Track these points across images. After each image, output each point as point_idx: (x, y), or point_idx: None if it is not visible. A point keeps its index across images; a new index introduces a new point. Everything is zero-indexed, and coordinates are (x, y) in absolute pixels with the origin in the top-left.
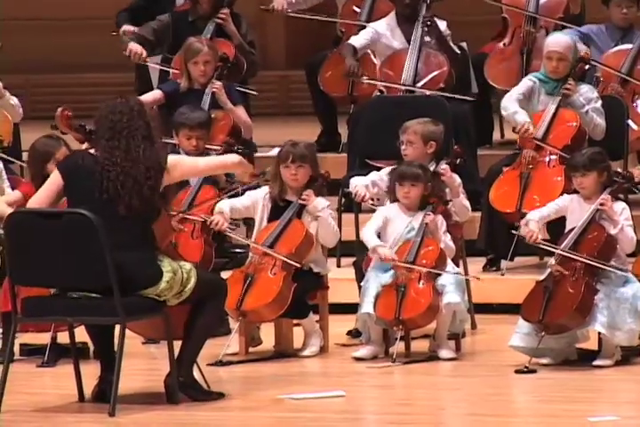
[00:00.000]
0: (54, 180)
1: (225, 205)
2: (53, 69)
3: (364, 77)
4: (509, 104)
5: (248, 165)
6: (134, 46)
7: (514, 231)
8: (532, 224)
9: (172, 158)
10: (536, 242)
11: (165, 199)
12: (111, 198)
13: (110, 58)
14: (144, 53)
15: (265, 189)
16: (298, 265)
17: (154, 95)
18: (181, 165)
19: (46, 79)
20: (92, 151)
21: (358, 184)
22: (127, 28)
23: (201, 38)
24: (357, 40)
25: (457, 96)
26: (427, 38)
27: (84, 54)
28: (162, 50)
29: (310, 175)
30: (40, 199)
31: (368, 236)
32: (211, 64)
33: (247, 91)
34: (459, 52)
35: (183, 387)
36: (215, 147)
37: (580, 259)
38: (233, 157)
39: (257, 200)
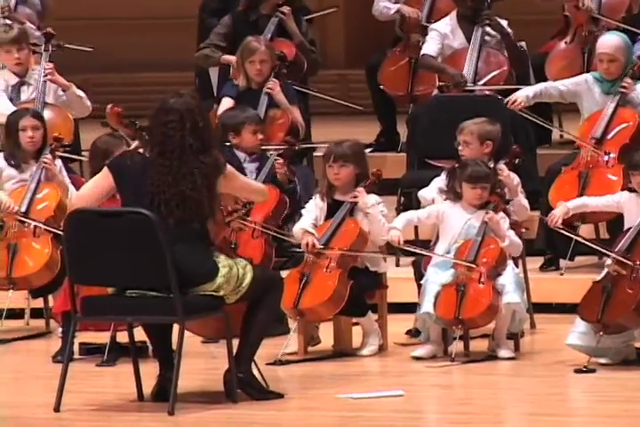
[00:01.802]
0: (103, 177)
1: (305, 225)
2: (113, 69)
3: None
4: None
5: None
6: (232, 58)
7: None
8: (561, 209)
9: (231, 168)
10: (555, 226)
11: (219, 202)
12: (165, 201)
13: (170, 57)
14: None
15: (316, 198)
16: (356, 254)
17: (228, 104)
18: (237, 177)
19: (106, 78)
20: (141, 151)
21: (435, 197)
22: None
23: (258, 37)
24: (431, 48)
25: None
26: (487, 38)
27: (144, 53)
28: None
29: (357, 173)
30: (91, 190)
31: (398, 217)
32: (267, 63)
33: (308, 90)
34: (524, 48)
35: (242, 384)
36: (273, 147)
37: (626, 262)
38: (265, 190)
39: (316, 209)
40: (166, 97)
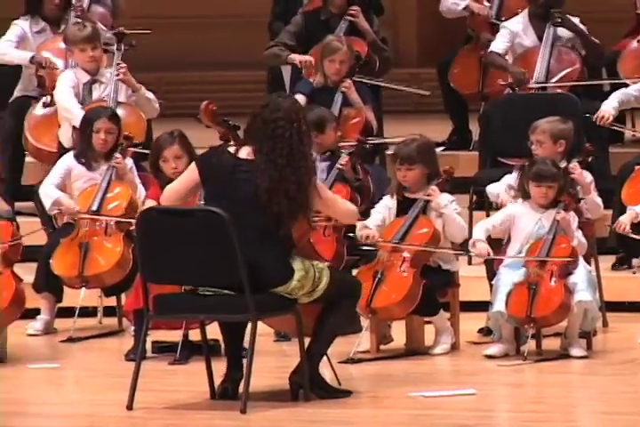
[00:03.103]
0: (190, 172)
1: (367, 222)
2: (186, 67)
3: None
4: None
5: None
6: (297, 57)
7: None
8: (629, 214)
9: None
10: (624, 232)
11: (310, 208)
12: (254, 203)
13: (243, 56)
14: (312, 60)
15: (386, 198)
16: (431, 249)
17: (300, 101)
18: (326, 191)
19: (179, 77)
20: (230, 149)
21: (500, 192)
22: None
23: (340, 37)
24: (498, 45)
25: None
26: (559, 36)
27: (217, 52)
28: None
29: (427, 173)
30: (177, 189)
31: (477, 229)
32: (346, 63)
33: (374, 80)
34: (598, 41)
35: (310, 384)
36: (348, 143)
37: None
38: (355, 211)
39: (385, 210)
40: (270, 96)
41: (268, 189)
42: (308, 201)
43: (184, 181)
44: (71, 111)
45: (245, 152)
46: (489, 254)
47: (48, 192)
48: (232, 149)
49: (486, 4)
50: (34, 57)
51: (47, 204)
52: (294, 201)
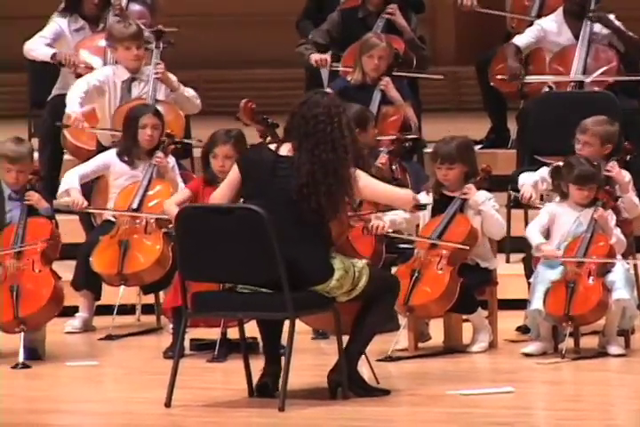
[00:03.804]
0: (233, 174)
1: (391, 216)
2: (225, 65)
3: (525, 77)
4: None
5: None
6: (315, 56)
7: None
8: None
9: (358, 171)
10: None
11: (350, 202)
12: (294, 200)
13: (280, 53)
14: (328, 59)
15: (422, 195)
16: (466, 247)
17: None
18: (363, 179)
19: (218, 75)
20: (271, 146)
21: (526, 184)
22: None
23: (379, 34)
24: (521, 39)
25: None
26: (595, 33)
27: (255, 50)
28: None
29: (465, 171)
30: (222, 193)
31: (532, 233)
32: (384, 60)
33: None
34: (636, 36)
35: (348, 382)
36: (387, 138)
37: None
38: (406, 196)
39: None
40: (308, 94)
41: (309, 184)
42: (349, 194)
43: (228, 184)
44: (69, 98)
45: (286, 149)
46: (558, 256)
47: (69, 179)
48: (273, 147)
49: (526, 3)
50: (55, 54)
51: (61, 189)
52: (334, 196)
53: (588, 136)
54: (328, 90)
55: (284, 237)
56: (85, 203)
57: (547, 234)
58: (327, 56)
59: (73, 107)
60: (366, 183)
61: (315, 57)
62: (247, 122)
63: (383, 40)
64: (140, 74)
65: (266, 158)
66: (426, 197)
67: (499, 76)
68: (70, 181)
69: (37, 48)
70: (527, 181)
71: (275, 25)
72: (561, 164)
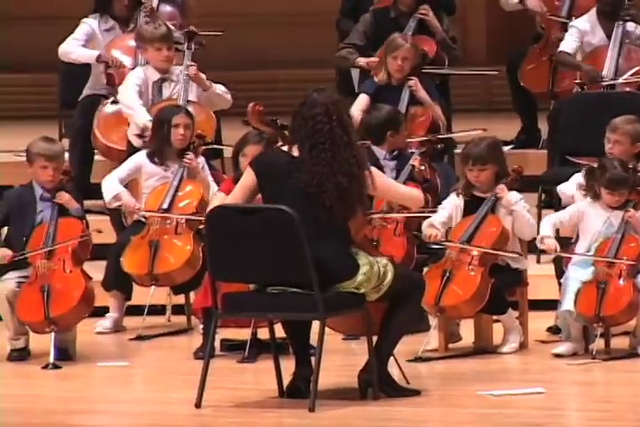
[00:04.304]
0: (247, 177)
1: (434, 220)
2: (255, 66)
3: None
4: None
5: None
6: (362, 60)
7: None
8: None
9: (373, 168)
10: None
11: (365, 201)
12: (309, 200)
13: (311, 54)
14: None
15: (452, 196)
16: (498, 253)
17: (363, 101)
18: (380, 175)
19: (249, 75)
20: (284, 148)
21: (575, 193)
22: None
23: (405, 35)
24: (568, 45)
25: None
26: (628, 34)
27: (286, 50)
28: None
29: (496, 172)
30: (235, 198)
31: (544, 224)
32: (409, 61)
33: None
34: None
35: (378, 383)
36: (418, 139)
37: None
38: (419, 196)
39: (451, 207)
40: (308, 92)
41: (317, 184)
42: (362, 191)
43: (242, 188)
44: (132, 107)
45: (297, 150)
46: (556, 250)
47: (110, 186)
48: (286, 148)
49: (557, 3)
50: (100, 55)
51: (107, 196)
52: (347, 193)
53: (618, 135)
54: (363, 96)
55: (307, 237)
56: (138, 205)
57: (576, 233)
58: (377, 58)
59: (144, 117)
60: (382, 182)
61: (364, 60)
62: (256, 125)
63: (408, 41)
64: (169, 74)
65: (280, 160)
66: (457, 199)
67: (577, 81)
68: (114, 186)
69: (75, 50)
70: (570, 190)
71: (305, 25)
72: (595, 165)
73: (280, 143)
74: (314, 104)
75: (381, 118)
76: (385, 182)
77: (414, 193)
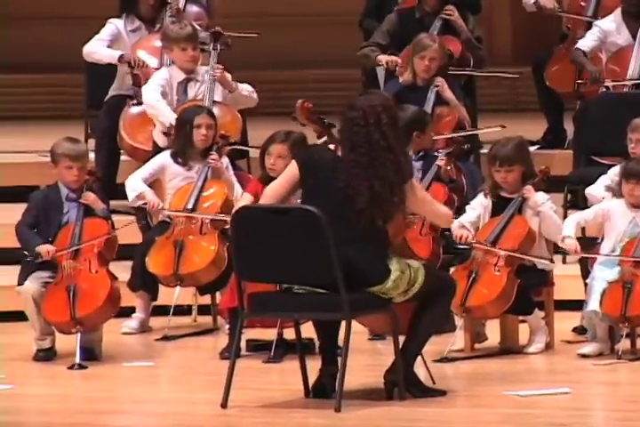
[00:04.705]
0: (290, 170)
1: (463, 220)
2: (280, 66)
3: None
4: None
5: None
6: (384, 57)
7: None
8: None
9: (415, 180)
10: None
11: (400, 204)
12: (348, 199)
13: (337, 54)
14: (399, 61)
15: (480, 197)
16: (524, 257)
17: None
18: (419, 190)
19: (273, 75)
20: (330, 146)
21: (606, 196)
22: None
23: (432, 35)
24: (585, 43)
25: None
26: None
27: (312, 50)
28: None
29: (523, 172)
30: (276, 189)
31: (567, 223)
32: (436, 61)
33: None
34: None
35: (404, 383)
36: (444, 136)
37: None
38: (450, 214)
39: (480, 207)
40: (358, 96)
41: (351, 186)
42: (397, 197)
43: (283, 181)
44: (155, 107)
45: (340, 150)
46: (577, 251)
47: (134, 185)
48: (332, 147)
49: (582, 3)
50: (122, 55)
51: (131, 196)
52: (379, 197)
53: (637, 133)
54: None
55: (340, 238)
56: (162, 204)
57: (602, 234)
58: (397, 58)
59: (170, 115)
60: (422, 195)
61: (385, 58)
62: (303, 121)
63: (436, 41)
64: (195, 74)
65: (326, 157)
66: (484, 200)
67: (579, 81)
68: (138, 185)
69: (99, 50)
70: (599, 192)
71: (331, 25)
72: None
73: (323, 139)
74: (353, 107)
75: (407, 119)
76: (424, 196)
77: (446, 211)
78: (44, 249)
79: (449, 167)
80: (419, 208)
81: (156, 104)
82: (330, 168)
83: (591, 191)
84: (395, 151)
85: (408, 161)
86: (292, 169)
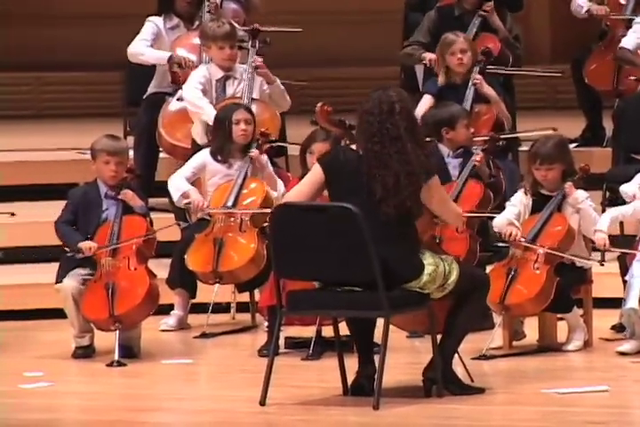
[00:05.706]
0: (314, 174)
1: (509, 216)
2: (317, 63)
3: None
4: None
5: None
6: (428, 55)
7: None
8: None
9: (436, 178)
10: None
11: (418, 199)
12: (377, 198)
13: (376, 52)
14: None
15: (519, 194)
16: (563, 255)
17: (427, 102)
18: (440, 189)
19: (310, 73)
20: (353, 147)
21: (637, 193)
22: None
23: (455, 32)
24: (629, 41)
25: None
26: None
27: (350, 48)
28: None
29: (563, 170)
30: (299, 192)
31: (603, 217)
32: (467, 53)
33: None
34: None
35: (442, 381)
36: (481, 138)
37: None
38: (462, 214)
39: (520, 205)
40: (373, 95)
41: (370, 177)
42: (412, 188)
43: (308, 183)
44: (197, 105)
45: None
46: (605, 246)
47: (178, 184)
48: (355, 147)
49: (622, 1)
50: (172, 57)
51: (175, 196)
52: (388, 186)
53: None
54: (427, 96)
55: (373, 236)
56: (206, 203)
57: None
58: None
59: (213, 113)
60: (442, 194)
61: (429, 55)
62: (324, 125)
63: (459, 35)
64: (233, 72)
65: (349, 158)
66: (524, 197)
67: (631, 77)
68: (181, 184)
69: (145, 51)
70: (632, 190)
71: (370, 23)
72: None
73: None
74: (368, 100)
75: (436, 115)
76: (444, 195)
77: (460, 212)
78: (87, 245)
79: (491, 163)
80: (439, 206)
81: (199, 102)
82: (353, 168)
83: (624, 188)
84: (402, 141)
85: (424, 153)
86: (316, 173)
